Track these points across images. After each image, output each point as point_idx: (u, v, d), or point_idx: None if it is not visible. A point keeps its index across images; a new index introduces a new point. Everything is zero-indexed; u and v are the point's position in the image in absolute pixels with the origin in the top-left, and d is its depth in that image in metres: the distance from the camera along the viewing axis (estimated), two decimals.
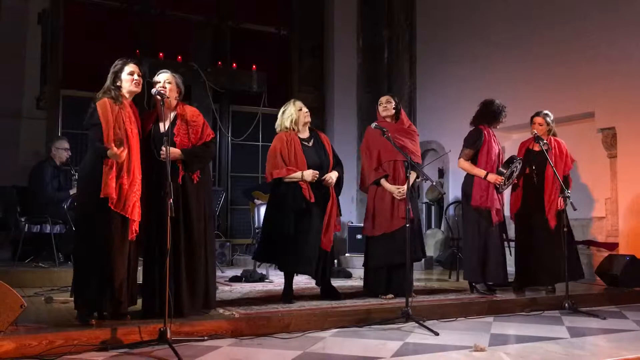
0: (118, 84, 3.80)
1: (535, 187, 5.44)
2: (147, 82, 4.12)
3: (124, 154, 3.63)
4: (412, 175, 4.96)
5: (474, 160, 5.31)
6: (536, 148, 5.45)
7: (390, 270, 4.87)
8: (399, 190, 4.87)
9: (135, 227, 3.72)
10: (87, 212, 3.73)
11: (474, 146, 5.30)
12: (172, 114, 4.01)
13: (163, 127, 3.99)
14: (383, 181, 4.95)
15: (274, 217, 4.75)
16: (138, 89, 3.86)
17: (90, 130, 3.76)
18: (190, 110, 4.11)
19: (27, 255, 6.38)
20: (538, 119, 5.51)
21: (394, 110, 5.12)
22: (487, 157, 5.26)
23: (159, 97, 3.83)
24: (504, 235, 5.38)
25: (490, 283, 5.29)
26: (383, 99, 5.22)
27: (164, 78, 4.04)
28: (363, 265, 5.16)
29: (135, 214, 3.70)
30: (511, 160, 5.25)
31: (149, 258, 3.93)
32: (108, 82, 3.82)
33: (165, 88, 3.98)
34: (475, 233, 5.26)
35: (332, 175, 4.77)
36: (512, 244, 5.66)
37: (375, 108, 5.32)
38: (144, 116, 4.06)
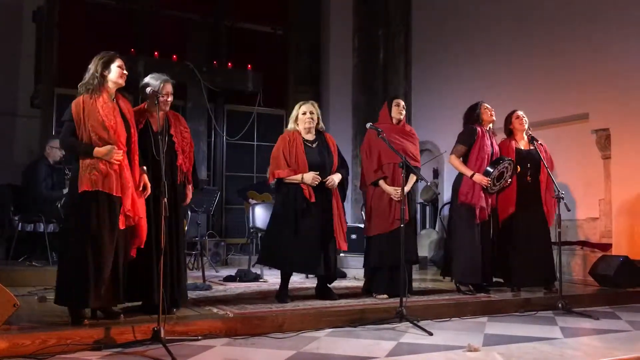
0: (105, 73, 3.73)
1: (530, 186, 5.45)
2: (143, 83, 4.13)
3: (116, 152, 3.63)
4: (412, 178, 5.00)
5: (466, 157, 5.32)
6: (523, 146, 5.48)
7: (391, 271, 4.85)
8: (396, 191, 4.88)
9: (127, 212, 3.68)
10: (71, 207, 3.73)
11: (467, 142, 5.30)
12: (161, 114, 4.02)
13: (158, 126, 4.00)
14: (381, 182, 4.96)
15: (276, 220, 4.78)
16: (123, 83, 3.82)
17: (62, 126, 3.80)
18: (182, 117, 4.28)
19: (21, 254, 6.35)
20: (519, 115, 5.53)
21: (404, 114, 5.19)
22: (477, 155, 5.25)
23: (154, 97, 3.88)
24: (490, 234, 5.38)
25: (472, 283, 5.24)
26: (400, 102, 5.22)
27: (171, 90, 4.09)
28: (363, 266, 5.22)
29: (123, 193, 3.65)
30: (497, 161, 5.20)
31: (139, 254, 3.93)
32: (93, 69, 3.72)
33: (170, 100, 4.08)
34: (460, 230, 5.26)
35: (334, 178, 4.75)
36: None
37: (374, 109, 5.34)
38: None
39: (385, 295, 4.85)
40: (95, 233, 3.58)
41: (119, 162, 3.65)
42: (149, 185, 3.83)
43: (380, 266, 4.92)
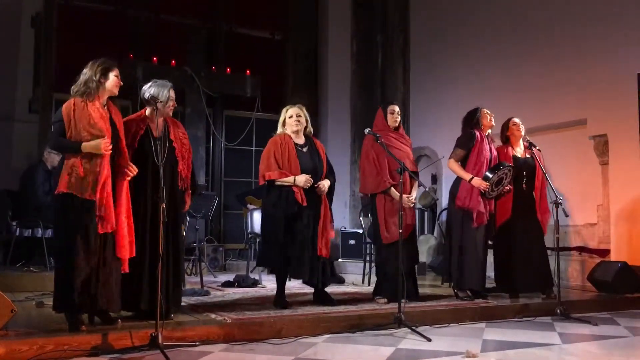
0: (103, 80, 3.72)
1: (525, 193, 5.46)
2: (140, 85, 4.13)
3: (105, 142, 3.59)
4: (415, 183, 5.02)
5: (465, 162, 5.32)
6: (520, 154, 5.49)
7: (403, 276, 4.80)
8: (409, 198, 4.93)
9: (107, 221, 3.62)
10: (57, 209, 3.70)
11: (466, 146, 5.31)
12: (161, 119, 4.03)
13: (157, 132, 4.00)
14: (392, 190, 4.90)
15: (268, 221, 4.75)
16: (117, 93, 3.83)
17: (52, 126, 3.81)
18: (180, 123, 4.30)
19: (19, 259, 6.34)
20: (516, 122, 5.54)
21: (399, 120, 5.21)
22: (476, 159, 5.25)
23: (152, 102, 3.90)
24: (487, 240, 5.37)
25: (469, 289, 5.22)
26: (395, 108, 5.22)
27: (174, 96, 4.13)
28: (377, 274, 5.14)
29: (97, 197, 3.58)
30: (498, 166, 5.21)
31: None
32: (91, 74, 3.70)
33: (173, 106, 4.14)
34: (457, 235, 5.27)
35: (325, 183, 4.74)
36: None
37: (372, 114, 5.34)
38: (129, 120, 4.05)
39: (384, 300, 4.85)
40: (69, 236, 3.54)
41: (109, 152, 3.60)
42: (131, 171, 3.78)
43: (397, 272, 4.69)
